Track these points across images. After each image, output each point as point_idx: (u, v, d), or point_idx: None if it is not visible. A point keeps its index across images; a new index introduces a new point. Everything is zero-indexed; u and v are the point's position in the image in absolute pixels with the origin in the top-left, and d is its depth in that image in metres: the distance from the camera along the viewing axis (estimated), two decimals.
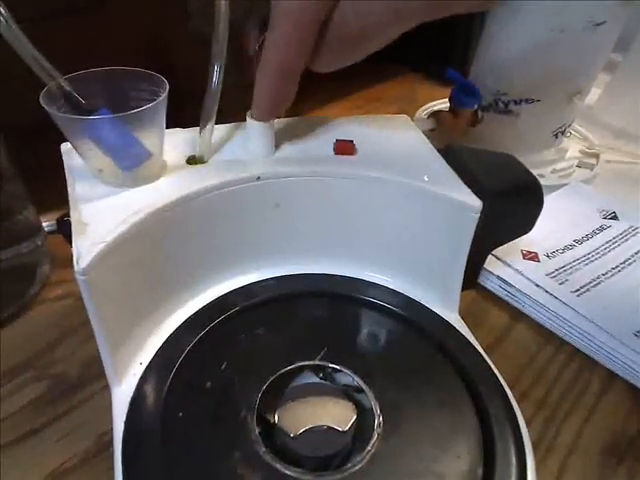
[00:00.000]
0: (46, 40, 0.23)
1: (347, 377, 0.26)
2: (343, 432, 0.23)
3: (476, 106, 0.47)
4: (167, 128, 0.27)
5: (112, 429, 0.23)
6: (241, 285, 0.30)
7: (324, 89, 0.62)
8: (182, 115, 0.30)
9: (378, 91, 0.66)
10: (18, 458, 0.27)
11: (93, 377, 0.30)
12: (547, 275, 0.37)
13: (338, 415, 0.24)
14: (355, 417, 0.24)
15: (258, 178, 0.27)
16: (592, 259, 0.38)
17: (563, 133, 0.50)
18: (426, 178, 0.28)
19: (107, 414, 0.25)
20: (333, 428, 0.23)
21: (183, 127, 0.30)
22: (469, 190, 0.27)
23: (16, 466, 0.26)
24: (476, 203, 0.26)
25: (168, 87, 0.25)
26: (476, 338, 0.29)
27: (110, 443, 0.23)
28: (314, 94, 0.61)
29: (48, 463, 0.26)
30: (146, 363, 0.25)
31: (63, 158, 0.27)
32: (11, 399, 0.29)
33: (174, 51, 0.44)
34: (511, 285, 0.36)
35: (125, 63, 0.26)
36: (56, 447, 0.27)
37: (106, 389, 0.25)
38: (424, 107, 0.60)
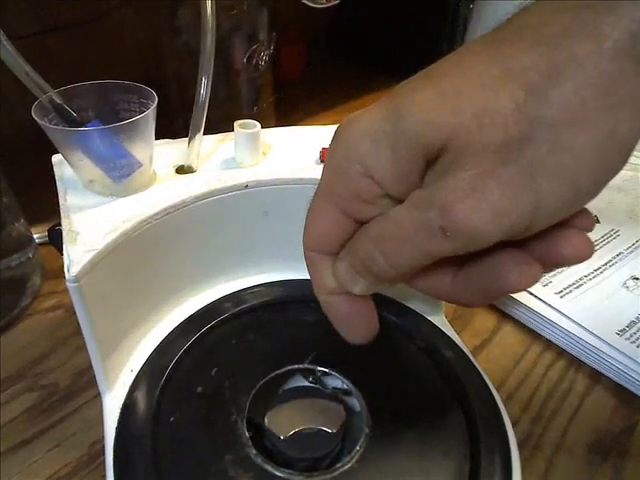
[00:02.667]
0: (45, 54, 0.23)
1: (336, 380, 0.26)
2: (332, 433, 0.23)
3: None
4: (159, 139, 0.27)
5: (104, 436, 0.23)
6: (231, 292, 0.30)
7: (314, 100, 0.63)
8: (175, 126, 0.31)
9: (368, 102, 0.67)
10: (10, 469, 0.27)
11: (84, 387, 0.30)
12: None
13: (327, 417, 0.24)
14: (344, 419, 0.24)
15: (246, 186, 0.28)
16: None
17: None
18: None
19: (98, 423, 0.25)
20: (323, 430, 0.24)
21: (175, 137, 0.31)
22: None
23: (8, 477, 0.26)
24: None
25: (157, 99, 0.25)
26: (463, 340, 0.30)
27: (102, 452, 0.23)
28: (304, 105, 0.62)
29: (40, 473, 0.26)
30: (137, 370, 0.26)
31: (54, 169, 0.28)
32: (3, 410, 0.29)
33: (167, 64, 0.45)
34: None
35: (120, 75, 0.26)
36: (48, 457, 0.27)
37: (97, 399, 0.25)
38: None
